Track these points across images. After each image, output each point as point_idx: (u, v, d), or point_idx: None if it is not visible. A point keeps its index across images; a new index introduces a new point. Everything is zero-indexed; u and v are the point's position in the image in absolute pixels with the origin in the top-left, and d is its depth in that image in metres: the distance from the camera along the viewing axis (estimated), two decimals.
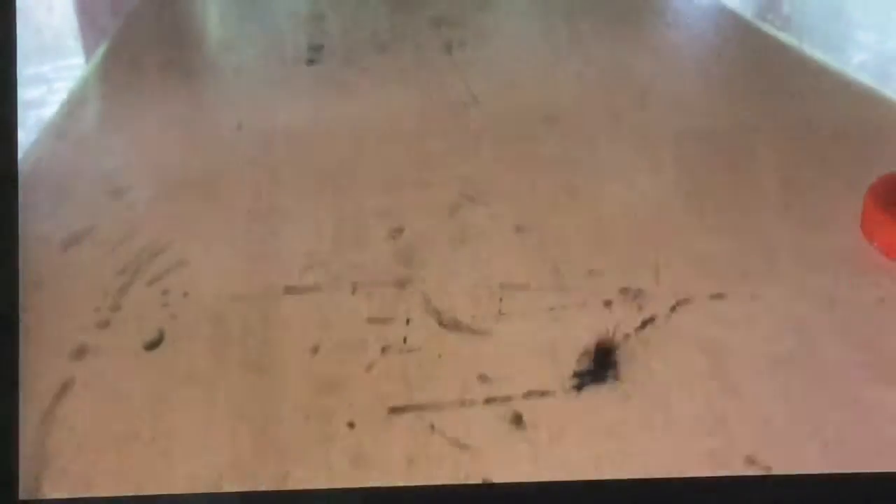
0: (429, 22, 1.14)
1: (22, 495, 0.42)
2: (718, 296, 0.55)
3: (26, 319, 0.54)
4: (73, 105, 0.90)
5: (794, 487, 0.41)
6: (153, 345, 0.52)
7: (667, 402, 0.46)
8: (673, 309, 0.54)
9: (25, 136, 0.85)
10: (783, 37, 1.06)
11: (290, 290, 0.57)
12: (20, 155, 0.76)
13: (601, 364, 0.51)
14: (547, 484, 0.42)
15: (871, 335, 0.51)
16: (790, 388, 0.47)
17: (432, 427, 0.45)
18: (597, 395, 0.47)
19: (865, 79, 0.91)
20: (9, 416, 0.44)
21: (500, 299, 0.56)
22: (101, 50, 1.09)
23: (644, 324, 0.53)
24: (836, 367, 0.49)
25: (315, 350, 0.51)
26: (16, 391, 0.45)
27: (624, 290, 0.56)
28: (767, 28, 1.10)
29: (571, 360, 0.50)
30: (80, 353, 0.51)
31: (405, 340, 0.52)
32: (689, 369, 0.49)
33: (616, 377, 0.49)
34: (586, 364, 0.50)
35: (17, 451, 0.43)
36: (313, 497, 0.41)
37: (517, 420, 0.46)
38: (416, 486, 0.41)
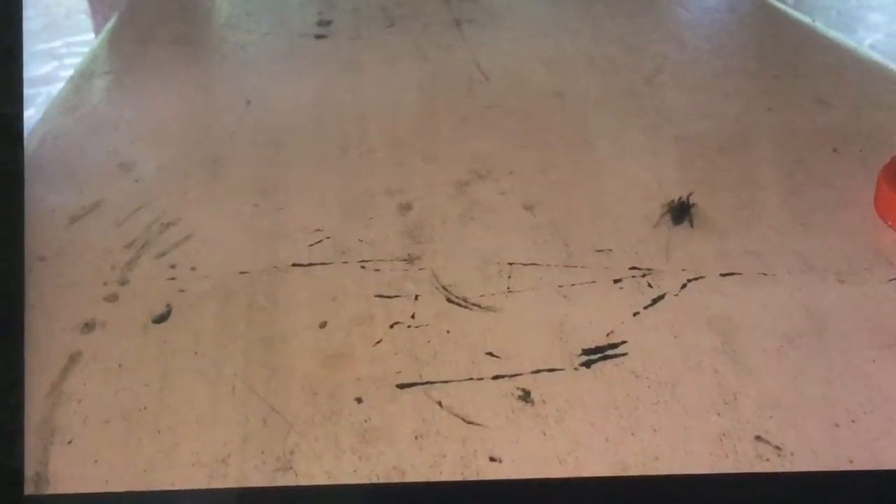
0: None
1: (30, 467, 0.42)
2: (729, 274, 0.55)
3: (34, 294, 0.54)
4: (81, 80, 0.90)
5: (803, 483, 0.41)
6: (161, 319, 0.52)
7: (676, 380, 0.46)
8: (683, 287, 0.54)
9: (35, 112, 0.85)
10: (796, 15, 1.05)
11: (298, 265, 0.57)
12: (28, 131, 0.76)
13: (679, 214, 0.59)
14: (557, 481, 0.41)
15: (883, 315, 0.51)
16: (801, 368, 0.47)
17: (440, 403, 0.45)
18: (605, 372, 0.47)
19: (878, 58, 0.90)
20: (13, 415, 0.44)
21: (509, 276, 0.55)
22: (109, 25, 1.08)
23: (654, 301, 0.52)
24: (847, 347, 0.48)
25: (323, 325, 0.51)
26: (20, 392, 0.45)
27: (634, 269, 0.55)
28: (780, 6, 1.09)
29: (580, 337, 0.50)
30: (88, 326, 0.51)
31: (413, 316, 0.52)
32: (699, 347, 0.49)
33: (691, 223, 0.59)
34: (668, 213, 0.60)
35: (22, 448, 0.43)
36: (318, 493, 0.41)
37: (525, 396, 0.45)
38: (418, 483, 0.41)
